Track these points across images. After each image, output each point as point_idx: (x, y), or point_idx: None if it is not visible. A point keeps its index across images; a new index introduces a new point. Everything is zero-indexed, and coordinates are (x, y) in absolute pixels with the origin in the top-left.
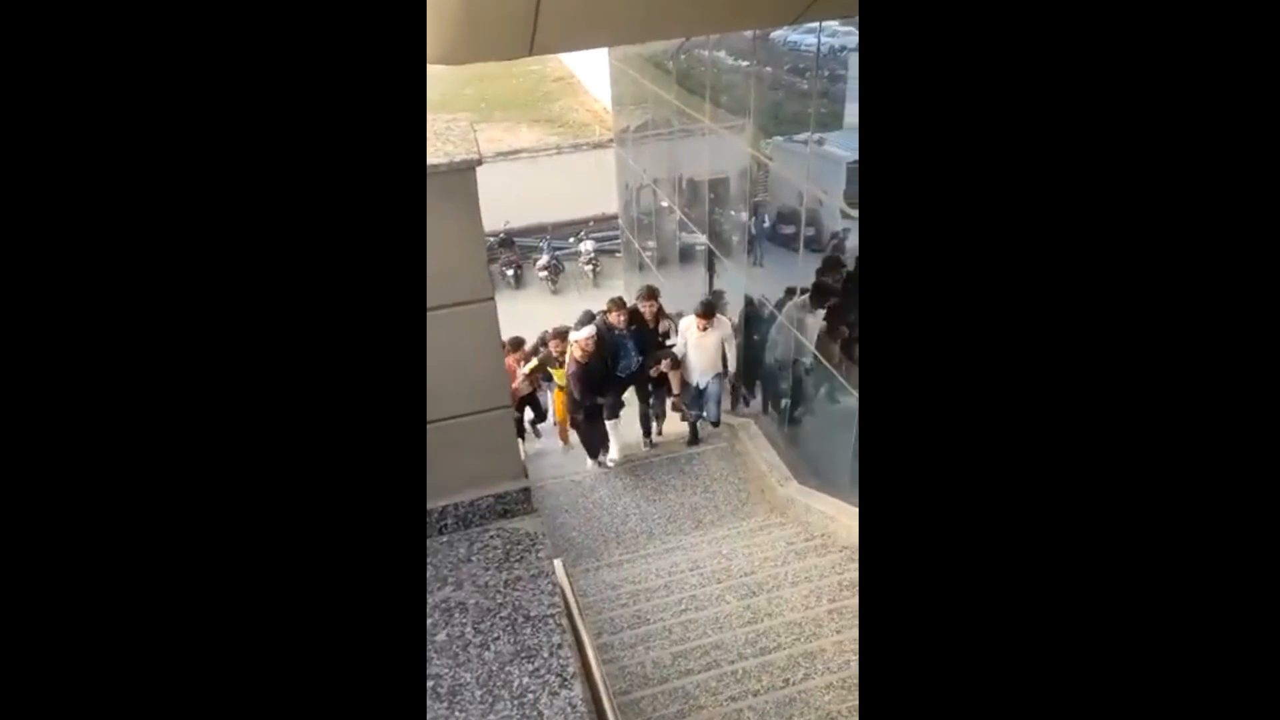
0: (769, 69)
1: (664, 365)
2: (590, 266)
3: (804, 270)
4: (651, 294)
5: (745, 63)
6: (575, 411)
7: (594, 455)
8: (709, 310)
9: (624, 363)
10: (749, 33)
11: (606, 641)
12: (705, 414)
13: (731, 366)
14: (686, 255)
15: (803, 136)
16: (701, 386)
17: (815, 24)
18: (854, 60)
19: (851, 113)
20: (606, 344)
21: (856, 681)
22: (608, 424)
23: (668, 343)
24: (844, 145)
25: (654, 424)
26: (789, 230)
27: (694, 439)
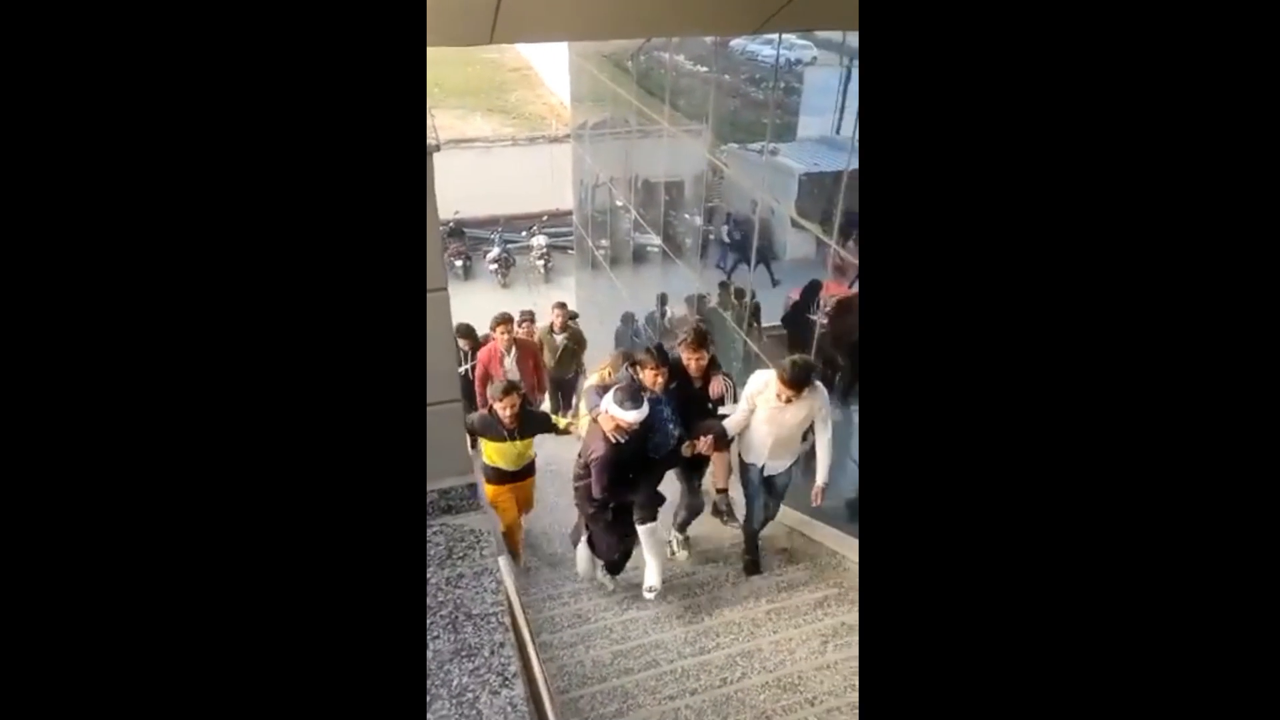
0: (727, 77)
1: (701, 445)
2: (542, 262)
3: (759, 277)
4: (700, 340)
5: (704, 69)
6: (595, 516)
7: (615, 568)
8: (803, 378)
9: (658, 439)
10: (709, 39)
11: (546, 640)
12: (763, 513)
13: (824, 468)
14: (640, 256)
15: (757, 145)
16: (770, 474)
17: (773, 35)
18: (809, 74)
19: (805, 125)
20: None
21: (792, 680)
22: (641, 529)
23: (721, 410)
24: (797, 157)
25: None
26: (740, 236)
27: (754, 562)
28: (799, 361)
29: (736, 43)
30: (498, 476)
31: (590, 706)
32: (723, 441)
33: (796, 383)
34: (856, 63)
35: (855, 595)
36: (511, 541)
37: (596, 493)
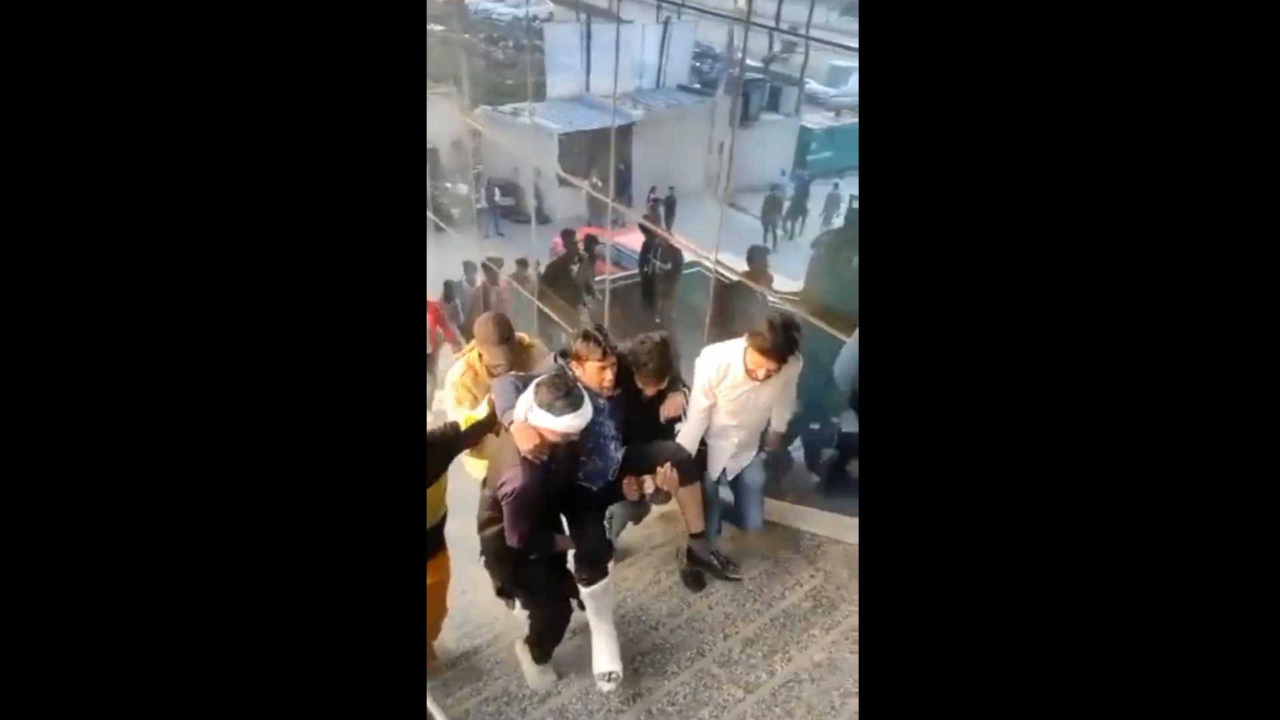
0: (468, 36)
1: (662, 479)
2: None
3: (539, 242)
4: (665, 365)
5: (441, 28)
6: (519, 576)
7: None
8: (789, 343)
9: (594, 465)
10: None
11: None
12: (743, 521)
13: (779, 423)
14: None
15: (509, 107)
16: (734, 475)
17: None
18: (549, 31)
19: (554, 84)
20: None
21: (627, 617)
22: (587, 593)
23: (678, 427)
24: (552, 117)
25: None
26: (509, 202)
27: (728, 569)
28: (779, 322)
29: (469, 1)
30: None
31: (445, 694)
32: (690, 473)
33: (781, 350)
34: (593, 19)
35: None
36: None
37: (514, 541)
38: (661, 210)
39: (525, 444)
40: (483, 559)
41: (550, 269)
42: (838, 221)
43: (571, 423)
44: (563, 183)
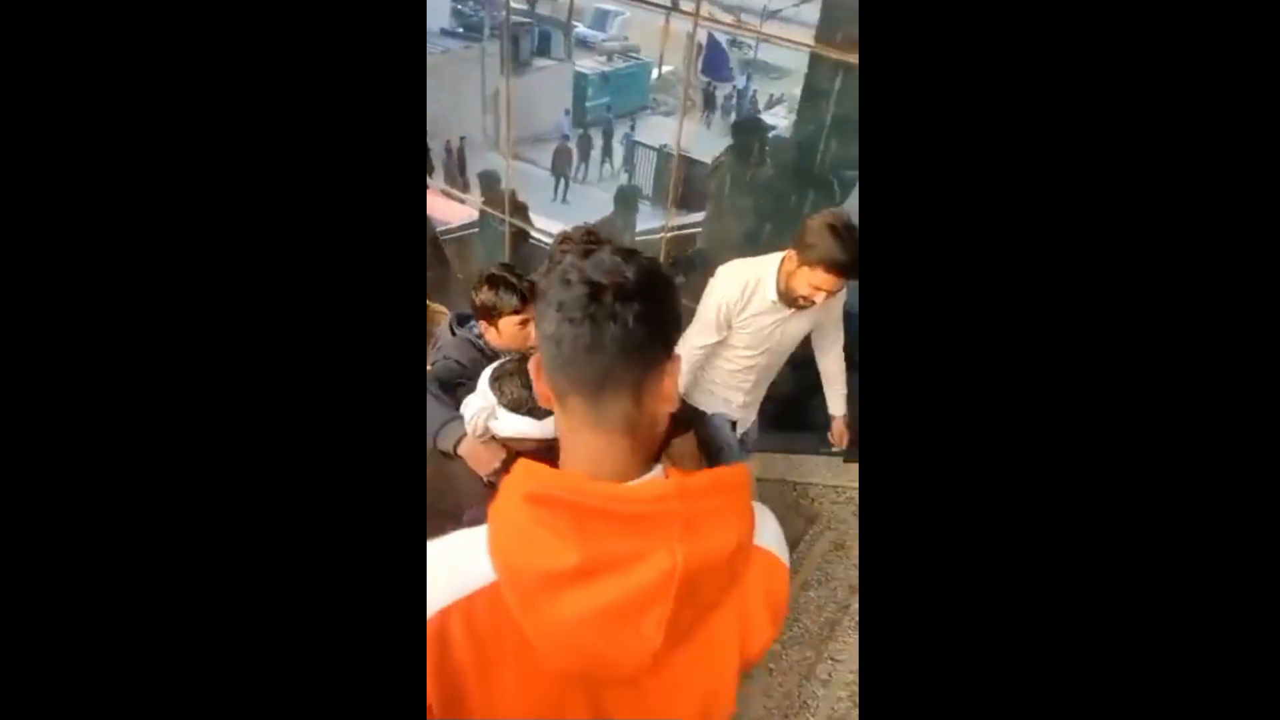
0: None
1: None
2: None
3: None
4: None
5: None
6: None
7: None
8: (855, 255)
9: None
10: None
11: None
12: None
13: (839, 394)
14: None
15: None
16: (743, 430)
17: None
18: None
19: None
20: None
21: None
22: None
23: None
24: None
25: None
26: None
27: None
28: (842, 224)
29: None
30: None
31: None
32: (681, 419)
33: (854, 262)
34: None
35: None
36: None
37: None
38: (455, 166)
39: (486, 466)
40: None
41: None
42: (644, 165)
43: (518, 422)
44: None
